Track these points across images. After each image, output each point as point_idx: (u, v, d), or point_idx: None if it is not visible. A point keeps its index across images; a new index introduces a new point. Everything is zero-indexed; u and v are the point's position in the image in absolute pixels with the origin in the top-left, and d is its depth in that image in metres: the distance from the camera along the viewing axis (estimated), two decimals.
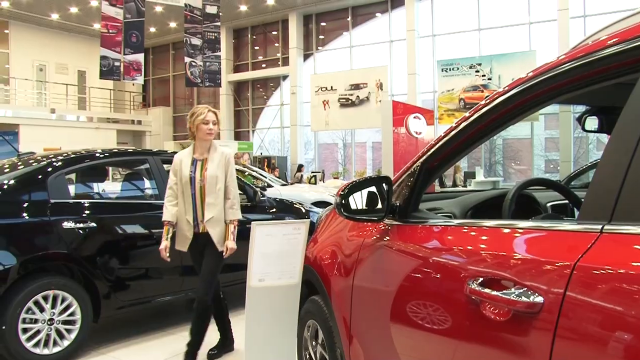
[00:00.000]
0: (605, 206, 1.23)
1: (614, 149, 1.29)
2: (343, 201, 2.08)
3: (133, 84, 24.00)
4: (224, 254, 3.97)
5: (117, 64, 16.26)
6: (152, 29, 24.47)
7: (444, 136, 1.94)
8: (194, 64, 17.32)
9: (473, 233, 1.75)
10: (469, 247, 1.66)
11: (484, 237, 1.69)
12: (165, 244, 3.94)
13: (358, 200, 2.13)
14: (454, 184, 13.83)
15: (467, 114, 1.86)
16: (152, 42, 25.77)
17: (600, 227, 1.22)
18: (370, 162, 23.19)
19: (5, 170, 4.39)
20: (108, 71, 16.14)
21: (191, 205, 3.96)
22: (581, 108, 2.38)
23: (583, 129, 2.28)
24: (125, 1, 16.14)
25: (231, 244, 3.96)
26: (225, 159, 4.04)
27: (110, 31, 16.12)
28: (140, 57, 16.61)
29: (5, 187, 4.16)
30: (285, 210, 6.12)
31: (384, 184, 2.05)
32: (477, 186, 12.72)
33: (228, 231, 3.99)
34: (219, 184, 3.96)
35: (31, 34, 23.73)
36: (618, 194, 1.21)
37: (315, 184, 16.37)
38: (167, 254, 3.95)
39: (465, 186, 13.46)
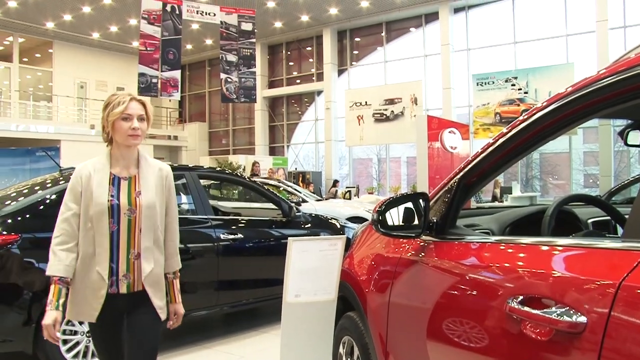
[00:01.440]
0: None
1: None
2: (380, 217, 2.08)
3: (170, 100, 24.37)
4: (168, 323, 2.67)
5: (154, 80, 16.54)
6: (189, 46, 24.88)
7: (482, 152, 1.93)
8: (229, 80, 17.50)
9: (512, 250, 1.73)
10: (508, 265, 1.64)
11: (522, 255, 1.66)
12: (53, 316, 2.33)
13: (395, 217, 2.12)
14: (494, 199, 13.66)
15: (505, 129, 1.85)
16: (189, 58, 26.20)
17: None
18: (404, 177, 23.06)
19: (48, 186, 4.50)
20: (146, 88, 16.42)
21: (107, 251, 2.42)
22: (622, 121, 2.33)
23: (625, 143, 2.24)
24: (163, 19, 16.44)
25: (181, 308, 2.69)
26: (165, 180, 2.60)
27: (148, 49, 16.41)
28: (177, 73, 16.87)
29: (47, 201, 4.25)
30: (320, 225, 6.11)
31: (420, 200, 2.05)
32: (513, 201, 12.55)
33: (173, 289, 2.67)
34: (159, 217, 2.55)
35: (73, 53, 24.39)
36: None
37: (349, 199, 16.35)
38: (59, 332, 2.41)
39: (502, 201, 13.27)
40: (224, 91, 17.54)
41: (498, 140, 1.86)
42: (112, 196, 2.45)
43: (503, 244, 1.80)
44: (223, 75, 17.31)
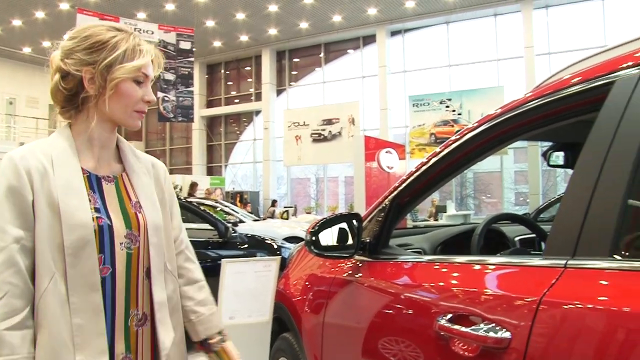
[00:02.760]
0: (568, 241, 1.25)
1: (575, 185, 1.32)
2: (313, 238, 2.08)
3: None
4: None
5: None
6: None
7: (415, 171, 1.97)
8: (167, 98, 17.26)
9: (442, 269, 1.76)
10: (439, 284, 1.67)
11: (452, 273, 1.70)
12: None
13: (329, 237, 2.13)
14: (433, 217, 13.92)
15: (437, 149, 1.89)
16: None
17: (564, 262, 1.24)
18: (342, 196, 23.23)
19: None
20: None
21: (99, 319, 1.37)
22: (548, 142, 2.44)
23: (548, 164, 2.34)
24: None
25: None
26: (164, 182, 1.64)
27: None
28: None
29: None
30: (257, 246, 6.07)
31: (354, 221, 2.06)
32: (448, 220, 12.84)
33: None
34: (168, 244, 1.57)
35: (1, 67, 23.50)
36: (580, 229, 1.23)
37: (287, 219, 16.32)
38: None
39: (437, 220, 13.55)
40: (161, 110, 17.30)
41: (430, 160, 1.90)
42: (96, 209, 1.40)
43: (435, 263, 1.84)
44: (160, 94, 17.06)
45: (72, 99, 1.44)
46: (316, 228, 2.09)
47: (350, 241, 2.10)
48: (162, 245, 1.52)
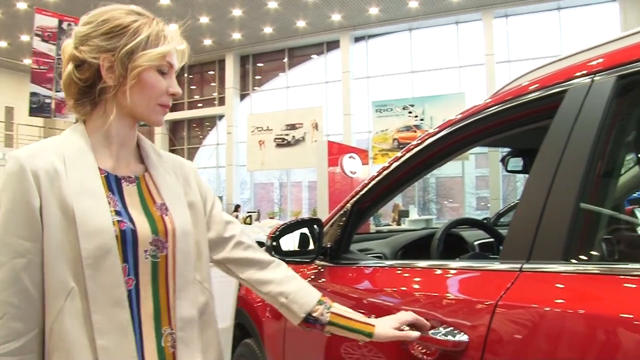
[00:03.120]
0: (524, 245, 1.28)
1: (530, 190, 1.35)
2: (274, 243, 2.08)
3: (65, 122, 23.39)
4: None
5: (48, 101, 15.77)
6: None
7: (376, 176, 1.98)
8: None
9: (402, 274, 1.78)
10: (398, 288, 1.69)
11: (412, 278, 1.72)
12: None
13: (290, 242, 2.13)
14: (396, 222, 14.00)
15: (399, 154, 1.91)
16: None
17: (519, 266, 1.27)
18: (306, 201, 23.23)
19: None
20: (38, 108, 15.63)
21: (128, 339, 1.19)
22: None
23: (506, 169, 2.38)
24: (58, 37, 15.76)
25: (391, 331, 1.40)
26: (194, 180, 1.48)
27: (42, 67, 15.64)
28: None
29: None
30: None
31: (315, 226, 2.07)
32: (411, 224, 12.94)
33: (347, 319, 1.42)
34: (196, 252, 1.37)
35: None
36: (535, 233, 1.26)
37: (250, 224, 16.23)
38: None
39: (400, 224, 13.65)
40: None
41: (392, 164, 1.91)
42: (117, 213, 1.24)
43: (396, 268, 1.85)
44: None
45: (87, 91, 1.29)
46: (277, 233, 2.09)
47: (311, 246, 2.10)
48: (191, 252, 1.34)
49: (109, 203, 1.23)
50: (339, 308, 1.45)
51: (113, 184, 1.29)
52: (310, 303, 1.43)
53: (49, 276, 1.17)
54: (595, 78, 1.28)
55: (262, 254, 1.50)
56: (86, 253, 1.17)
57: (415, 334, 1.37)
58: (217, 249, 1.47)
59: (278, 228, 2.11)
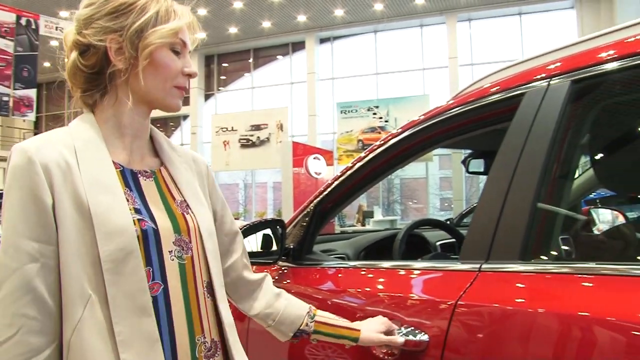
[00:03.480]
0: (483, 246, 1.30)
1: (488, 192, 1.37)
2: None
3: (24, 121, 22.84)
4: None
5: (5, 99, 15.39)
6: (47, 64, 23.51)
7: (339, 177, 1.98)
8: None
9: (362, 275, 1.79)
10: (359, 289, 1.70)
11: (372, 279, 1.73)
12: None
13: (253, 243, 2.12)
14: (360, 223, 14.06)
15: (362, 155, 1.91)
16: (47, 77, 24.69)
17: (478, 266, 1.29)
18: (271, 202, 23.18)
19: None
20: None
21: (154, 335, 1.07)
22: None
23: (467, 171, 2.41)
24: (17, 33, 15.41)
25: (375, 335, 1.39)
26: (207, 179, 1.38)
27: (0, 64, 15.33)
28: (32, 92, 15.83)
29: None
30: None
31: (278, 227, 2.06)
32: (375, 225, 13.00)
33: (333, 327, 1.43)
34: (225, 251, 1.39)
35: None
36: (493, 233, 1.28)
37: None
38: None
39: (364, 225, 13.71)
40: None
41: (355, 165, 1.91)
42: (136, 210, 1.14)
43: (355, 269, 1.86)
44: None
45: (95, 78, 1.18)
46: None
47: (275, 247, 2.10)
48: (216, 252, 1.25)
49: (127, 200, 1.12)
50: (322, 315, 1.44)
51: (129, 178, 1.18)
52: (297, 321, 1.41)
53: (65, 282, 1.04)
54: (552, 82, 1.31)
55: (255, 274, 1.46)
56: (106, 255, 1.05)
57: (402, 339, 1.35)
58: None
59: (240, 229, 2.10)
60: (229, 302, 1.29)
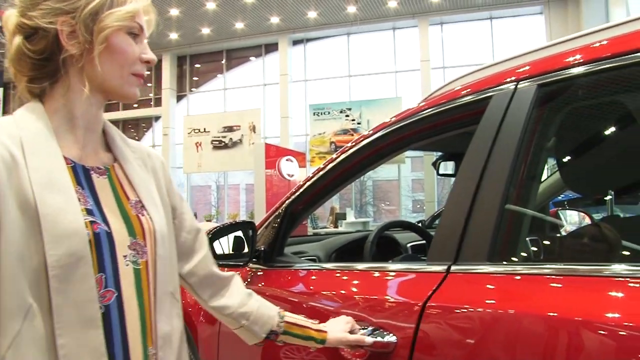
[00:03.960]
0: (450, 247, 1.31)
1: (456, 193, 1.38)
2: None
3: None
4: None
5: None
6: None
7: (310, 178, 1.97)
8: None
9: (339, 276, 1.79)
10: (329, 291, 1.70)
11: (344, 281, 1.73)
12: None
13: (225, 245, 2.11)
14: (333, 224, 14.06)
15: (333, 156, 1.91)
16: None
17: (446, 267, 1.30)
18: (243, 204, 23.09)
19: None
20: None
21: (100, 349, 0.98)
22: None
23: (438, 173, 2.44)
24: None
25: (342, 334, 1.38)
26: (163, 174, 1.27)
27: None
28: None
29: None
30: None
31: (249, 229, 2.05)
32: (347, 227, 13.04)
33: (302, 328, 1.41)
34: (173, 254, 1.23)
35: None
36: (462, 235, 1.29)
37: None
38: None
39: (337, 227, 13.73)
40: None
41: (326, 167, 1.91)
42: (88, 211, 1.04)
43: (325, 271, 1.86)
44: None
45: (44, 65, 1.07)
46: (210, 236, 2.07)
47: (246, 249, 2.09)
48: (170, 259, 1.17)
49: (79, 200, 1.02)
50: (291, 316, 1.41)
51: (81, 176, 1.07)
52: (270, 321, 1.38)
53: (2, 291, 0.91)
54: (519, 85, 1.32)
55: (222, 273, 1.39)
56: (53, 260, 0.94)
57: (370, 338, 1.34)
58: (183, 260, 1.30)
59: (211, 231, 2.08)
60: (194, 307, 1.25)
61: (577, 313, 1.00)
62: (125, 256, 1.06)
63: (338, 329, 1.38)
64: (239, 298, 1.37)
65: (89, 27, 1.05)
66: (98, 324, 0.98)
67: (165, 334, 1.11)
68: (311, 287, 1.83)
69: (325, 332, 1.39)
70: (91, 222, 1.02)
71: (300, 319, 1.42)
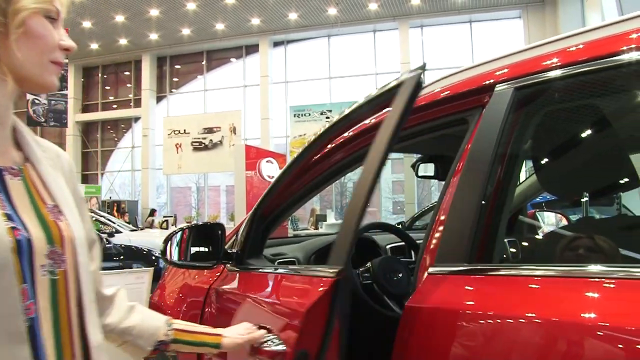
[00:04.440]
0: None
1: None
2: (166, 246, 2.05)
3: None
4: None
5: None
6: None
7: (276, 180, 1.96)
8: (37, 101, 16.23)
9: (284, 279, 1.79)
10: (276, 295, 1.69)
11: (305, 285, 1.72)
12: None
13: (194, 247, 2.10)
14: (314, 226, 14.07)
15: (295, 156, 1.88)
16: None
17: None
18: (224, 205, 22.99)
19: None
20: None
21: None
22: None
23: (417, 175, 2.44)
24: None
25: (237, 337, 1.42)
26: (71, 175, 1.14)
27: None
28: None
29: None
30: (133, 257, 5.89)
31: (218, 231, 2.04)
32: (328, 228, 13.04)
33: (193, 334, 1.38)
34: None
35: None
36: (440, 237, 1.29)
37: (167, 228, 15.88)
38: None
39: (318, 228, 13.74)
40: (31, 113, 16.24)
41: (286, 168, 1.89)
42: (8, 217, 0.93)
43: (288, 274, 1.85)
44: (30, 96, 16.02)
45: None
46: (177, 236, 2.06)
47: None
48: (90, 267, 1.08)
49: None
50: (180, 323, 1.35)
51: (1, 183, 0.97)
52: (157, 332, 1.30)
53: None
54: (496, 88, 1.33)
55: (108, 289, 1.26)
56: None
57: (260, 332, 1.37)
58: None
59: (182, 230, 2.07)
60: None
61: (555, 314, 1.00)
62: (42, 266, 0.95)
63: (234, 332, 1.38)
64: (119, 314, 1.26)
65: (4, 10, 0.94)
66: (24, 338, 0.89)
67: (98, 343, 1.04)
68: (266, 290, 1.82)
69: (220, 335, 1.38)
70: (12, 228, 0.91)
71: (192, 325, 1.38)
